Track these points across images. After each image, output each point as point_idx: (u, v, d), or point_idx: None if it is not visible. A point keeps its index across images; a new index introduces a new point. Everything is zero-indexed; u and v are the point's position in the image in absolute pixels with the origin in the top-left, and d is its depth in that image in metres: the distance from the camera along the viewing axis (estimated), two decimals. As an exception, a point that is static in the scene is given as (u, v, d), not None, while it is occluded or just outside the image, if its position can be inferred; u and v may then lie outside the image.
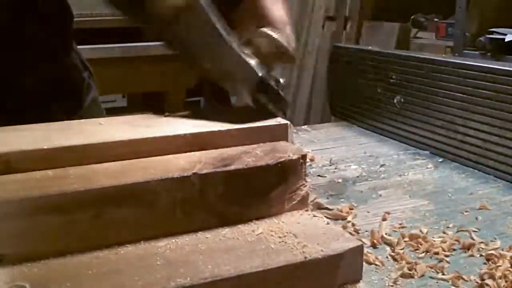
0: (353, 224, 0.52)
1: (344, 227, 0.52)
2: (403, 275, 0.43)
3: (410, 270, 0.44)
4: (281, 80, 0.46)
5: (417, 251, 0.48)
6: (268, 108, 0.44)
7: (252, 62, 0.43)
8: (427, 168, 0.70)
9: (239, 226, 0.36)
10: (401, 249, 0.48)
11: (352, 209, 0.56)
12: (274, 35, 0.45)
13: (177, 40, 0.45)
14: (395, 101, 0.80)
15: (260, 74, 0.43)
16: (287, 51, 0.46)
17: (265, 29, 0.46)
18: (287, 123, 0.42)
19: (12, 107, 0.61)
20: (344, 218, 0.54)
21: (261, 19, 0.47)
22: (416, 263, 0.45)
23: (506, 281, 0.42)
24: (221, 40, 0.43)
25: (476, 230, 0.52)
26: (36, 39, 0.64)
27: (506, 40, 1.60)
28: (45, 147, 0.34)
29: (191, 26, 0.43)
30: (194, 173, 0.34)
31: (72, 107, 0.68)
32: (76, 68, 0.71)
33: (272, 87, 0.44)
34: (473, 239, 0.49)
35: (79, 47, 0.74)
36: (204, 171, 0.35)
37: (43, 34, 0.65)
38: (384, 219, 0.54)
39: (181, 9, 0.43)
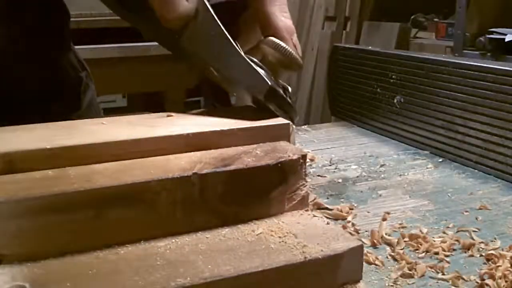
0: (353, 224, 0.52)
1: (344, 227, 0.52)
2: (403, 275, 0.44)
3: (410, 270, 0.44)
4: (289, 88, 0.46)
5: (417, 251, 0.48)
6: (269, 109, 0.44)
7: (261, 71, 0.44)
8: (427, 168, 0.70)
9: (239, 226, 0.36)
10: (401, 249, 0.48)
11: (352, 209, 0.56)
12: (282, 44, 0.46)
13: (185, 49, 0.45)
14: (395, 101, 0.80)
15: (269, 84, 0.43)
16: (295, 59, 0.47)
17: (272, 38, 0.46)
18: (288, 123, 0.42)
19: (10, 107, 0.61)
20: (344, 218, 0.54)
21: (267, 28, 0.48)
22: (416, 263, 0.45)
23: (506, 281, 0.42)
24: (231, 49, 0.43)
25: (476, 230, 0.52)
26: (33, 38, 0.64)
27: (506, 40, 1.60)
28: (48, 147, 0.34)
29: (200, 35, 0.44)
30: (194, 173, 0.34)
31: (70, 107, 0.68)
32: (73, 67, 0.71)
33: (282, 95, 0.44)
34: (473, 239, 0.50)
35: (78, 47, 0.74)
36: (204, 171, 0.35)
37: (41, 33, 0.65)
38: (384, 219, 0.54)
39: (190, 19, 0.43)
